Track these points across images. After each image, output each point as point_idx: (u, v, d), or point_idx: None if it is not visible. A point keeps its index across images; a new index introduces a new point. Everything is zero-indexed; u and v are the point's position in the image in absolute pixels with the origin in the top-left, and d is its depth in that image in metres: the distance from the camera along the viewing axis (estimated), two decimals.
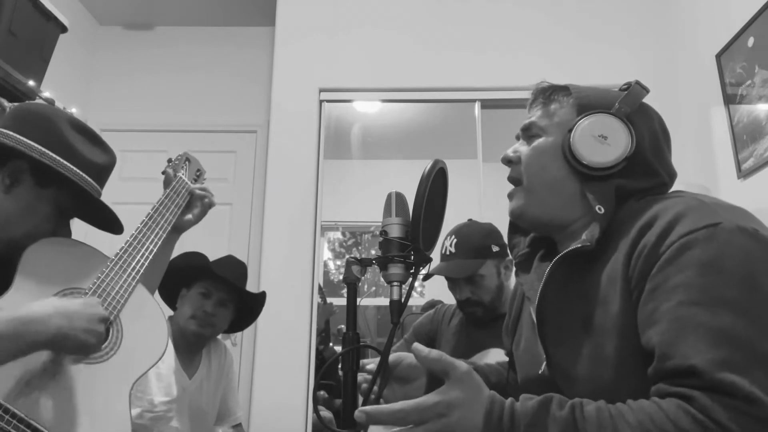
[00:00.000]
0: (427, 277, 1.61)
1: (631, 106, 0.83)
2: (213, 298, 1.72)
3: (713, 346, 0.62)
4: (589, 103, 0.85)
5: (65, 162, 1.10)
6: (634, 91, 0.84)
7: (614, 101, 0.84)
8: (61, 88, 2.91)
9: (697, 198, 0.74)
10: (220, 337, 1.88)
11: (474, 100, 2.92)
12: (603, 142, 0.81)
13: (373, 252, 3.00)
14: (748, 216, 0.72)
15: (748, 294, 0.64)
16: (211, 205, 1.44)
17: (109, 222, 1.23)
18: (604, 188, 0.81)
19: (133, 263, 1.17)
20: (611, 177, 0.81)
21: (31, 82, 2.09)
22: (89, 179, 1.14)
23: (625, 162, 0.81)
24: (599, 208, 0.79)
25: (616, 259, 0.75)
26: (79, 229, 1.31)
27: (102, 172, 1.19)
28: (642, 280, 0.70)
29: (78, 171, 1.12)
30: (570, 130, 0.83)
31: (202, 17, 3.50)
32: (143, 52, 3.55)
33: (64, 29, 2.33)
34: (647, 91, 0.85)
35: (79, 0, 3.35)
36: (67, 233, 1.18)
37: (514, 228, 1.00)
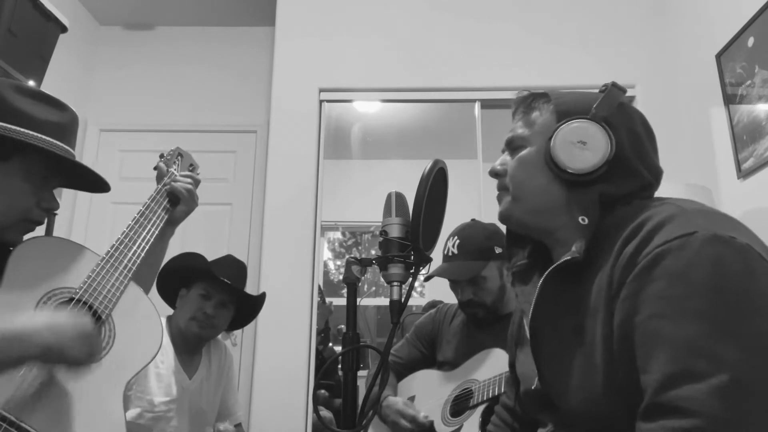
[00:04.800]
0: (428, 278, 1.61)
1: (607, 110, 0.83)
2: (213, 300, 1.72)
3: (673, 359, 0.62)
4: (568, 109, 0.86)
5: (19, 128, 1.01)
6: (611, 94, 0.84)
7: (592, 105, 0.84)
8: (61, 88, 2.91)
9: (680, 206, 0.74)
10: (220, 337, 1.88)
11: (474, 100, 2.92)
12: (582, 147, 0.81)
13: (373, 252, 3.00)
14: (730, 223, 0.70)
15: (715, 302, 0.63)
16: (192, 195, 1.36)
17: (94, 181, 1.17)
18: (588, 196, 0.81)
19: (125, 261, 1.15)
20: (594, 182, 0.82)
21: (31, 82, 2.09)
22: (52, 140, 1.06)
23: (606, 166, 0.81)
24: (582, 219, 0.79)
25: (605, 268, 0.76)
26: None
27: (64, 130, 1.10)
28: (619, 289, 0.71)
29: (36, 134, 1.03)
30: (550, 138, 0.84)
31: (202, 17, 3.50)
32: (143, 52, 3.54)
33: (64, 29, 2.33)
34: (624, 92, 0.85)
35: (79, 0, 3.35)
36: (53, 204, 1.10)
37: (511, 237, 1.00)
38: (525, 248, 0.99)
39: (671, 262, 0.66)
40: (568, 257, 0.79)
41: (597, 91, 0.88)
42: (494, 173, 0.93)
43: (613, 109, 0.84)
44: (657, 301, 0.65)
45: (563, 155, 0.82)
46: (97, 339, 0.96)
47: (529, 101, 0.92)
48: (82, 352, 0.90)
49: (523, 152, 0.89)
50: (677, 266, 0.65)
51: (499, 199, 0.93)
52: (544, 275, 0.82)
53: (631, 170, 0.83)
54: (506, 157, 0.93)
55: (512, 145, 0.91)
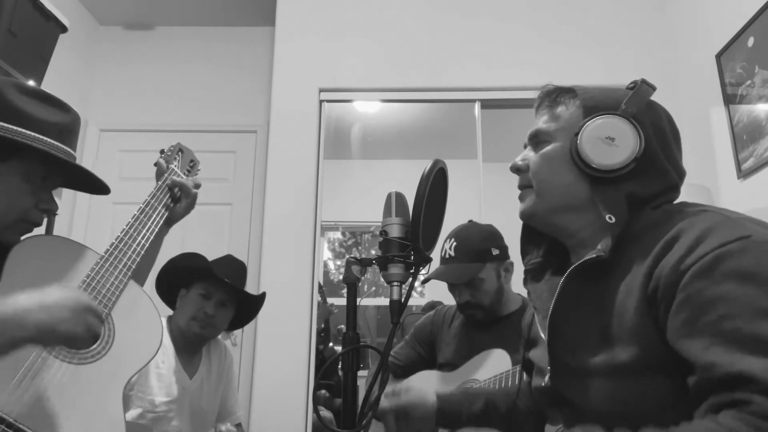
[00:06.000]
0: (425, 280, 1.61)
1: (637, 106, 0.82)
2: (213, 300, 1.72)
3: (765, 355, 0.61)
4: (595, 104, 0.85)
5: (19, 129, 1.00)
6: (641, 90, 0.83)
7: (620, 101, 0.83)
8: (61, 88, 2.91)
9: (722, 213, 0.74)
10: (220, 336, 1.88)
11: (474, 100, 2.91)
12: (611, 143, 0.80)
13: (373, 252, 3.00)
14: None
15: None
16: (193, 195, 1.38)
17: (94, 183, 1.16)
18: (614, 195, 0.80)
19: (125, 259, 1.15)
20: (621, 180, 0.80)
21: (31, 82, 2.09)
22: (52, 141, 1.05)
23: (635, 163, 0.80)
24: (609, 218, 0.78)
25: (636, 271, 0.75)
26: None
27: (65, 131, 1.09)
28: (670, 291, 0.69)
29: (35, 135, 1.02)
30: (577, 134, 0.83)
31: (202, 17, 3.50)
32: (143, 52, 3.54)
33: (64, 29, 2.34)
34: (654, 89, 0.84)
35: (79, 0, 3.35)
36: (52, 205, 1.10)
37: (527, 236, 0.99)
38: (540, 246, 0.98)
39: (735, 264, 0.66)
40: (593, 255, 0.78)
41: (625, 87, 0.87)
42: (515, 169, 0.92)
43: (642, 106, 0.83)
44: (728, 302, 0.65)
45: (590, 151, 0.81)
46: (95, 310, 0.90)
47: (554, 95, 0.90)
48: (78, 326, 0.85)
49: (548, 147, 0.87)
50: (743, 267, 0.66)
51: (522, 197, 0.91)
52: (567, 272, 0.81)
53: (659, 169, 0.82)
54: (528, 152, 0.91)
55: (536, 140, 0.90)
